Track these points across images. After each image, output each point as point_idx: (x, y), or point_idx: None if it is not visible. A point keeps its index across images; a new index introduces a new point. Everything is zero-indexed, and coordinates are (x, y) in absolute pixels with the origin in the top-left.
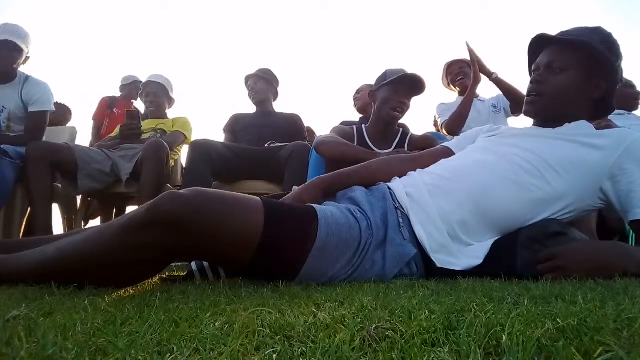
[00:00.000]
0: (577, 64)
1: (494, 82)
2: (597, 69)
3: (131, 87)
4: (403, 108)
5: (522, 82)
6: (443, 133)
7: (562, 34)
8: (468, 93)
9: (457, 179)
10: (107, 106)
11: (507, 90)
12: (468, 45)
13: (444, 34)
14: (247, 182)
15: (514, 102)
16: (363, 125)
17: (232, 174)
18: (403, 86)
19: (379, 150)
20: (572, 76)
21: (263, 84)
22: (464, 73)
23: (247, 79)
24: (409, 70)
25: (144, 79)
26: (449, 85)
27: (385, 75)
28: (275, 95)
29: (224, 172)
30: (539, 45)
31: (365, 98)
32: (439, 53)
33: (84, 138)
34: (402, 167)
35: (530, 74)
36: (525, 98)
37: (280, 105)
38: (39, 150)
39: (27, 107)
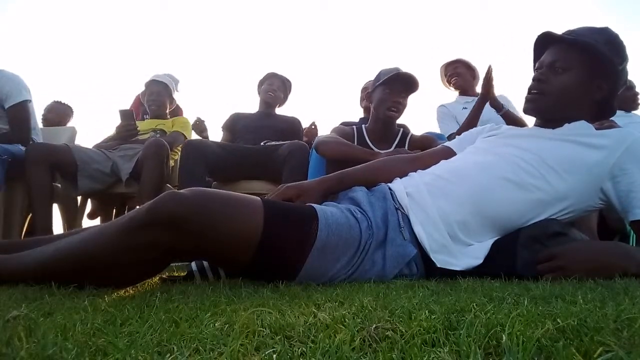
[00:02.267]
0: (580, 64)
1: (503, 117)
2: (599, 70)
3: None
4: (399, 107)
5: (522, 81)
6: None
7: (568, 33)
8: (474, 111)
9: (457, 179)
10: (140, 104)
11: (513, 122)
12: (490, 73)
13: (444, 34)
14: (246, 182)
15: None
16: (363, 126)
17: (228, 173)
18: (397, 85)
19: (378, 150)
20: (574, 76)
21: (281, 91)
22: (457, 74)
23: (270, 77)
24: (406, 69)
25: (155, 79)
26: (448, 85)
27: (379, 75)
28: (283, 103)
29: (220, 172)
30: (544, 43)
31: None
32: (439, 53)
33: (84, 138)
34: (405, 167)
35: (534, 72)
36: (526, 96)
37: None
38: (38, 152)
39: (2, 104)
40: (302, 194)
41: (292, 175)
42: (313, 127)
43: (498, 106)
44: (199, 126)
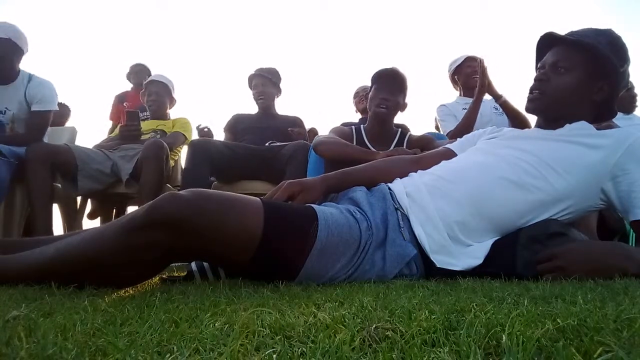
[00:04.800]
0: (582, 65)
1: (501, 106)
2: (601, 71)
3: (140, 76)
4: (387, 104)
5: (521, 81)
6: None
7: (571, 33)
8: (473, 104)
9: (457, 180)
10: (119, 103)
11: (513, 113)
12: (482, 64)
13: (445, 34)
14: (247, 182)
15: (517, 125)
16: (362, 126)
17: (232, 173)
18: (383, 83)
19: (377, 151)
20: (576, 77)
21: (269, 87)
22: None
23: (252, 78)
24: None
25: (154, 78)
26: (453, 77)
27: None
28: (279, 94)
29: (224, 172)
30: (547, 43)
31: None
32: (439, 53)
33: (84, 138)
34: (406, 167)
35: (537, 72)
36: (527, 95)
37: (281, 106)
38: (38, 151)
39: (30, 106)
40: (304, 190)
41: (294, 176)
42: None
43: (497, 95)
44: (206, 134)
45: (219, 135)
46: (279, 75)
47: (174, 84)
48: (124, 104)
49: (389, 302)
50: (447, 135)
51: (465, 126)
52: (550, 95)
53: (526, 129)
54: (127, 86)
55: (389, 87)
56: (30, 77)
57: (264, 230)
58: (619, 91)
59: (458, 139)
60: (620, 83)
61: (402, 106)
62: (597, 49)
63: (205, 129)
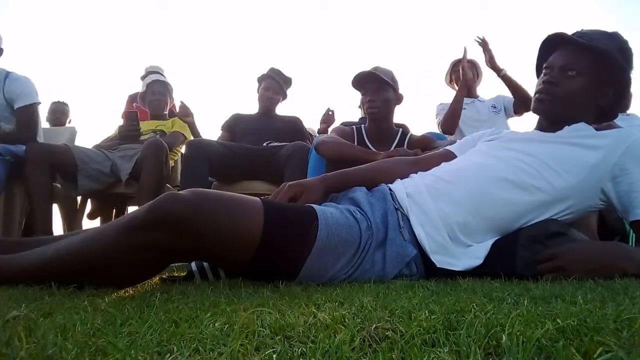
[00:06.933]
0: (591, 70)
1: (502, 79)
2: (609, 77)
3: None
4: (373, 104)
5: (521, 79)
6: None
7: (579, 35)
8: (458, 91)
9: (457, 181)
10: (131, 102)
11: (514, 87)
12: (484, 39)
13: (445, 34)
14: (246, 182)
15: (519, 100)
16: (362, 126)
17: (230, 173)
18: (362, 86)
19: (378, 151)
20: (585, 82)
21: (278, 94)
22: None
23: (266, 77)
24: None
25: (158, 78)
26: (450, 82)
27: None
28: (284, 98)
29: (222, 172)
30: (553, 42)
31: None
32: (440, 53)
33: (84, 138)
34: (406, 168)
35: (539, 70)
36: (535, 96)
37: (281, 106)
38: (38, 152)
39: (12, 105)
40: (304, 191)
41: (293, 176)
42: (330, 112)
43: (498, 68)
44: (183, 110)
45: (216, 133)
46: (291, 82)
47: (172, 88)
48: (134, 105)
49: (389, 302)
50: (438, 124)
51: (450, 113)
52: (559, 98)
53: (526, 132)
54: (137, 86)
55: (370, 88)
56: (7, 75)
57: (264, 231)
58: (624, 97)
59: (458, 140)
60: (626, 89)
61: (395, 100)
62: (611, 57)
63: (182, 106)
